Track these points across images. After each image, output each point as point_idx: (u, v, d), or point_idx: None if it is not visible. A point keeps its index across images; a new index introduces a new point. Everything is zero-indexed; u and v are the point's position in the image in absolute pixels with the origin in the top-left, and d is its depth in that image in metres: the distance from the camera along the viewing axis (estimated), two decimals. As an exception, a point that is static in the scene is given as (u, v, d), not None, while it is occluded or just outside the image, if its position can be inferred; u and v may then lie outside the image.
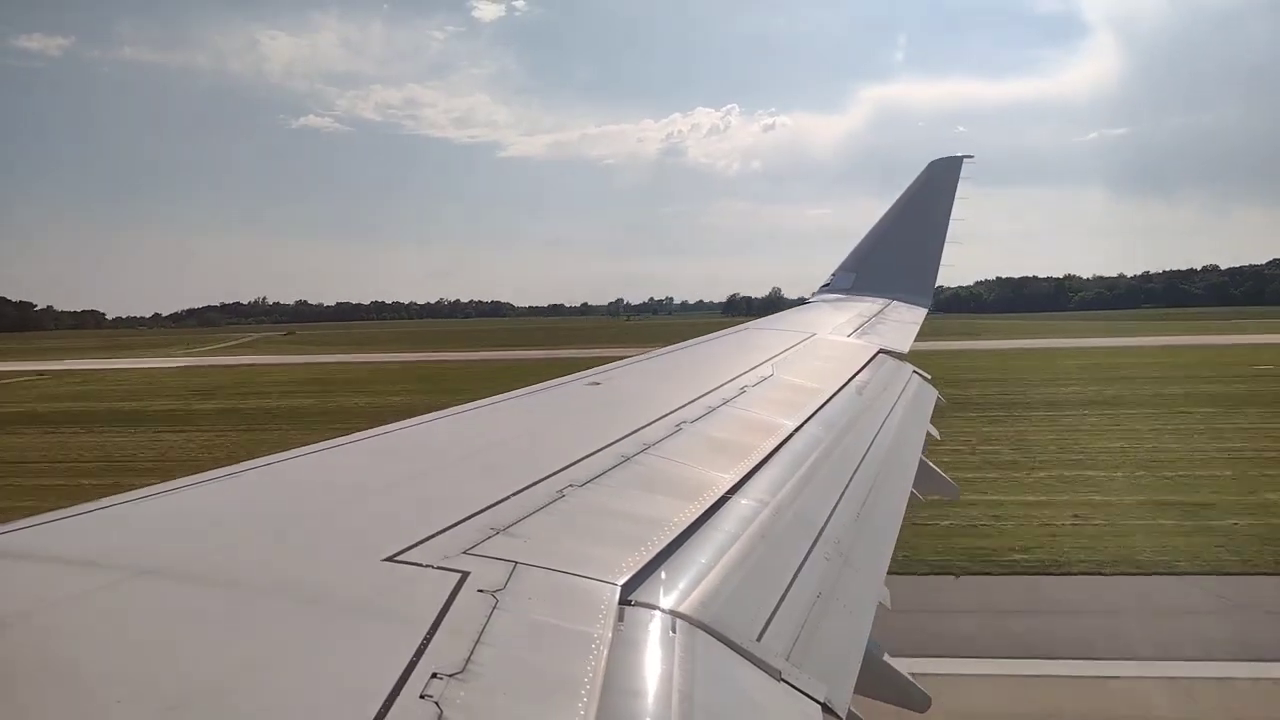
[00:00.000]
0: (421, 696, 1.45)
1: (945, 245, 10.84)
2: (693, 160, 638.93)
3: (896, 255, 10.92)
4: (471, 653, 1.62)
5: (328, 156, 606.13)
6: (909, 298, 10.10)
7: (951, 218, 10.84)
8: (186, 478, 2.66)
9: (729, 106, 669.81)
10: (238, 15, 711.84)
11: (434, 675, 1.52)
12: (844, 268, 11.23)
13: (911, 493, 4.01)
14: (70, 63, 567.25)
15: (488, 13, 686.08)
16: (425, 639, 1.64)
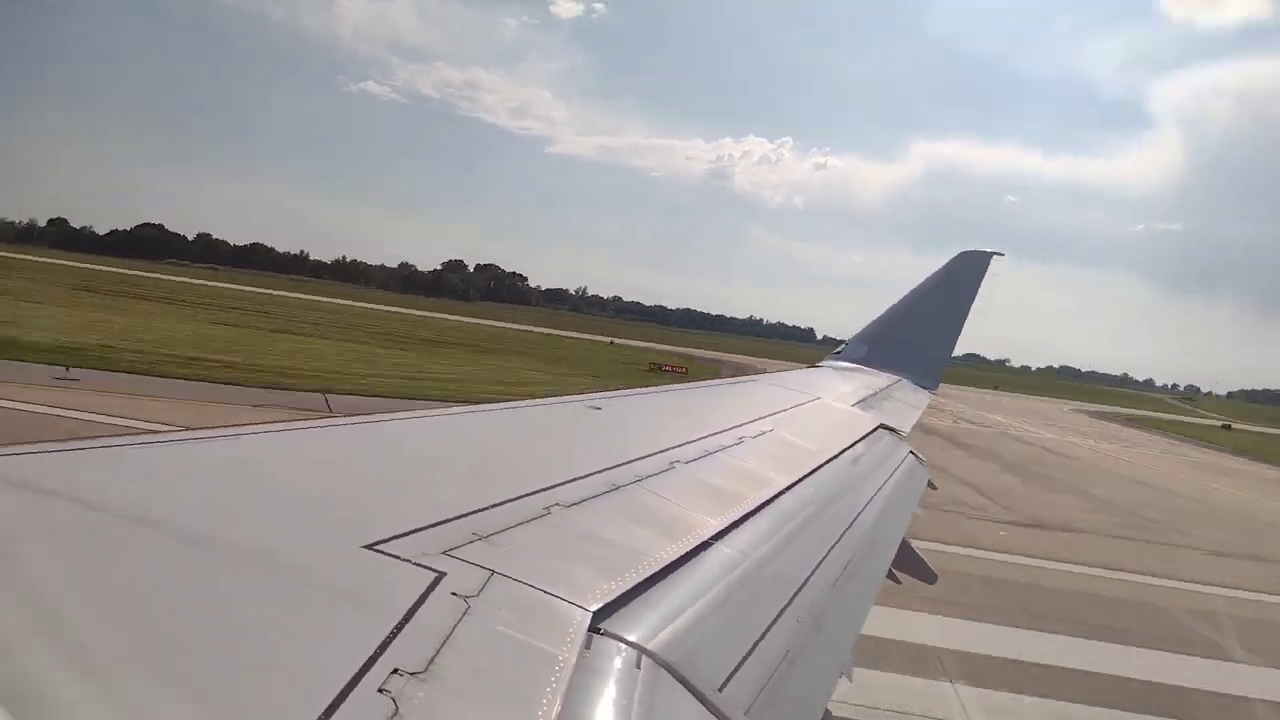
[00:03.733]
0: (380, 690, 1.45)
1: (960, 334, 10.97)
2: (738, 186, 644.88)
3: (912, 336, 11.01)
4: (436, 654, 1.62)
5: (377, 124, 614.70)
6: (917, 379, 10.14)
7: (973, 310, 10.97)
8: (193, 430, 2.67)
9: (783, 139, 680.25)
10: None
11: (395, 671, 1.51)
12: (858, 339, 11.33)
13: (890, 571, 4.00)
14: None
15: (566, 10, 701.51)
16: (392, 633, 1.64)
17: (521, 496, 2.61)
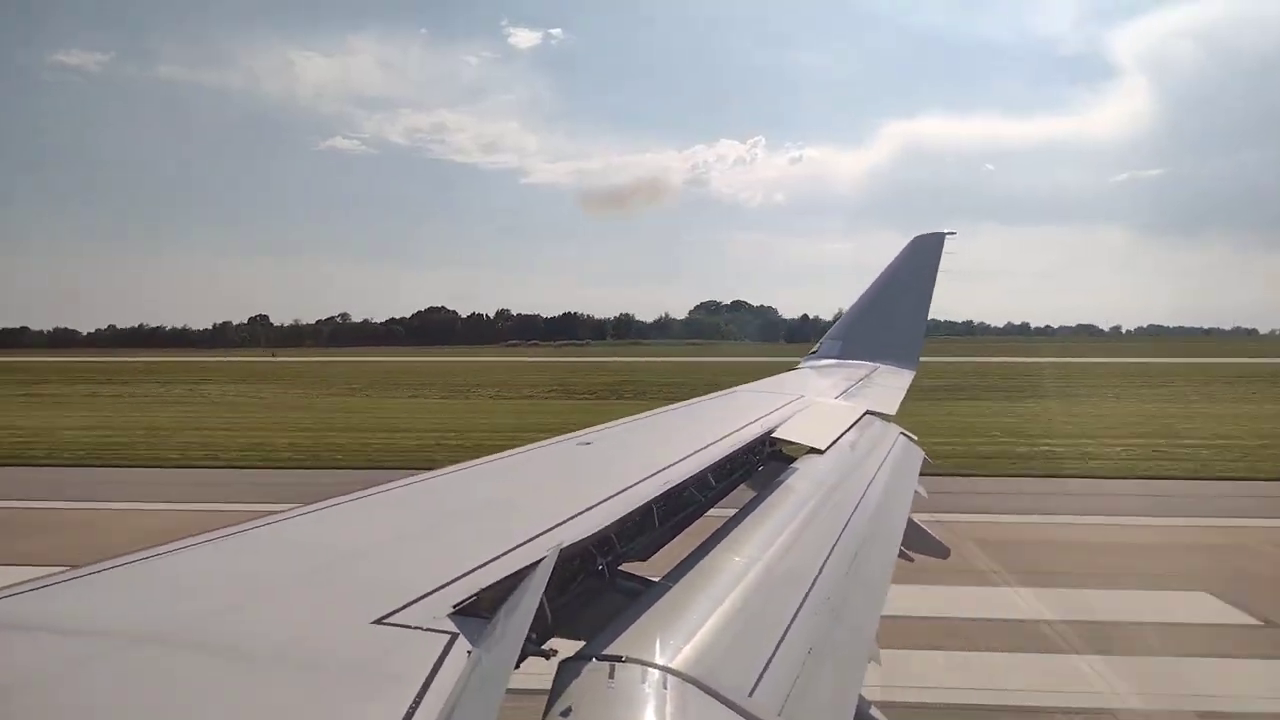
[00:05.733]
0: None
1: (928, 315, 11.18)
2: (715, 191, 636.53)
3: (882, 324, 11.20)
4: (454, 712, 1.61)
5: (352, 178, 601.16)
6: (895, 363, 10.26)
7: (935, 289, 11.20)
8: (178, 540, 2.64)
9: (755, 139, 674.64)
10: (275, 35, 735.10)
11: None
12: (830, 336, 11.49)
13: (901, 551, 4.01)
14: (107, 79, 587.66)
15: (524, 40, 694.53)
16: (414, 702, 1.63)
17: (524, 543, 2.61)
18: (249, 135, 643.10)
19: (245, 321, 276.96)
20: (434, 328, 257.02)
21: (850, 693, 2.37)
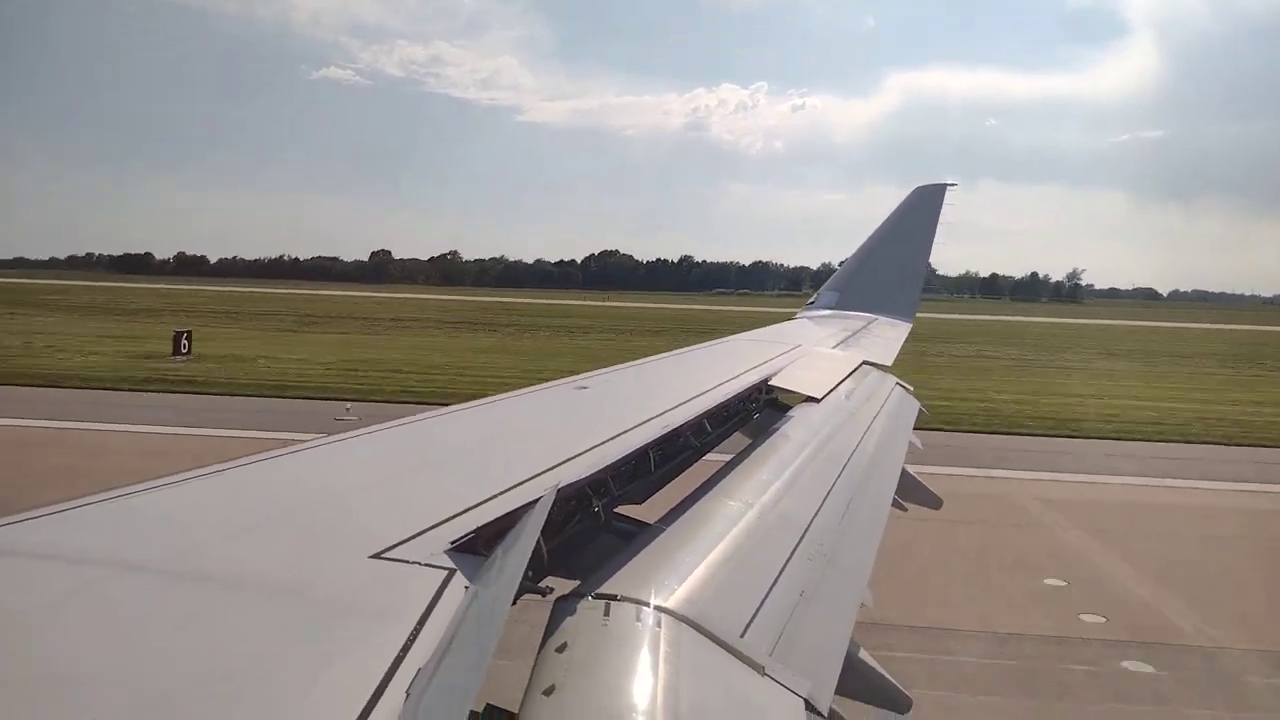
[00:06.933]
0: (407, 692, 1.46)
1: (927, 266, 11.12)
2: (715, 137, 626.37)
3: (880, 276, 11.14)
4: (452, 646, 1.62)
5: (344, 110, 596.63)
6: (893, 315, 10.24)
7: (935, 241, 11.11)
8: (175, 474, 2.64)
9: (757, 85, 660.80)
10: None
11: (419, 671, 1.52)
12: (829, 287, 11.44)
13: (895, 500, 4.05)
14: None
15: None
16: (411, 635, 1.64)
17: (522, 482, 2.61)
18: (239, 62, 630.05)
19: (367, 258, 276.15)
20: (612, 272, 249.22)
21: (841, 636, 2.40)
